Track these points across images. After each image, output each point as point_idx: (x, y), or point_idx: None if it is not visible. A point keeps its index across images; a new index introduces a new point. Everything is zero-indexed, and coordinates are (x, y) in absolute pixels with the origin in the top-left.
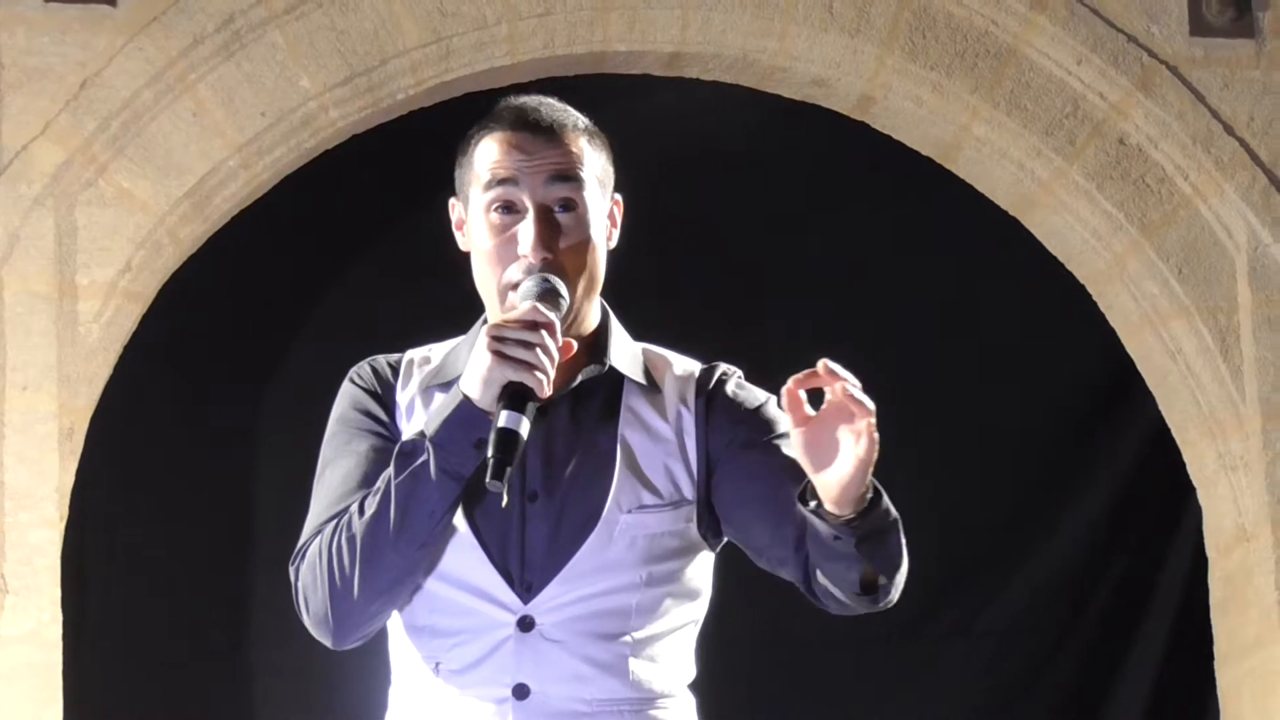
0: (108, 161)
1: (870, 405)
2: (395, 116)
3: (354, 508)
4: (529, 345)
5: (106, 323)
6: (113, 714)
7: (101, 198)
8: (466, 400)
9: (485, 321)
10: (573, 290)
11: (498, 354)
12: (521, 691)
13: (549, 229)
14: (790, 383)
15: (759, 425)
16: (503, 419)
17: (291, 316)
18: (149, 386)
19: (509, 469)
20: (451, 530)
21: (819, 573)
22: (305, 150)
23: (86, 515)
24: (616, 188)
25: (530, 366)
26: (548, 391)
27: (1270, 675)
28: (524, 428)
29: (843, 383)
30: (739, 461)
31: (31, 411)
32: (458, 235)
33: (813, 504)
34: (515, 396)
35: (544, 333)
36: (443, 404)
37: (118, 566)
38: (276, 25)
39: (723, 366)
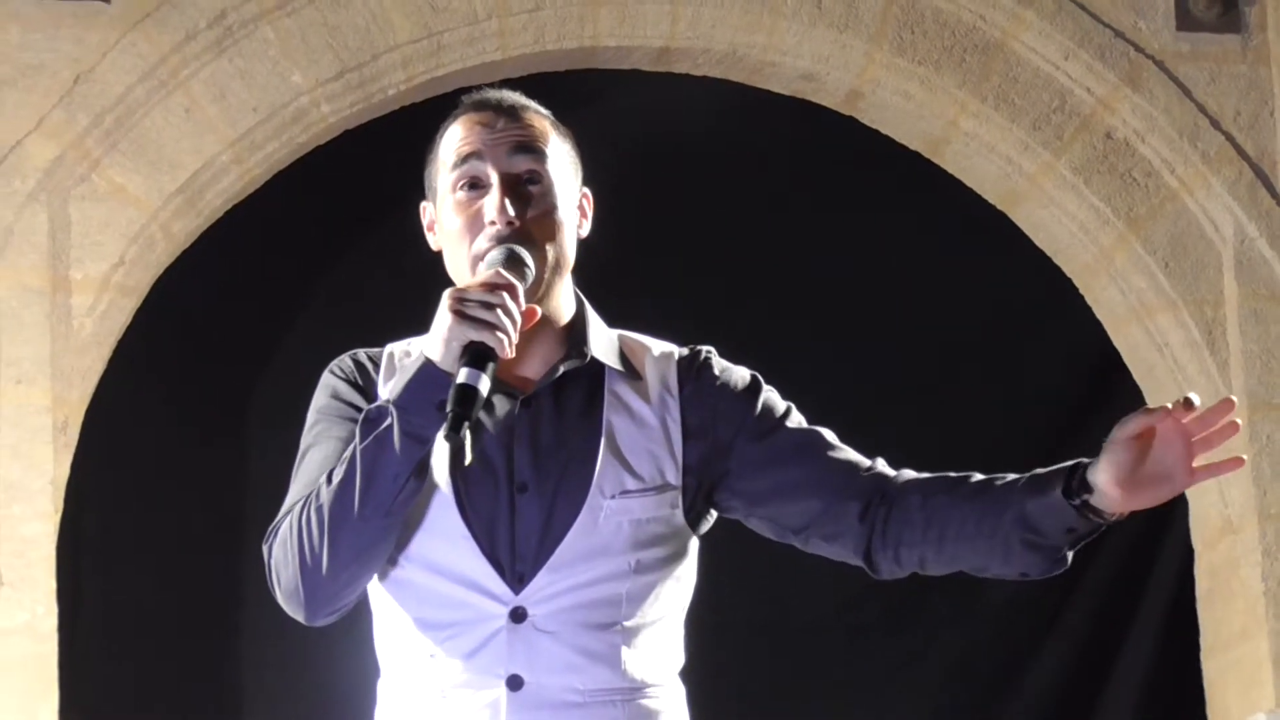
0: (101, 157)
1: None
2: (387, 112)
3: (322, 480)
4: (489, 306)
5: (100, 317)
6: (108, 705)
7: (95, 193)
8: (428, 362)
9: None
10: (540, 260)
11: (458, 313)
12: (515, 683)
13: (515, 197)
14: (1143, 423)
15: (766, 407)
16: (462, 375)
17: (283, 310)
18: (142, 380)
19: (467, 422)
20: (419, 518)
21: (970, 558)
22: (297, 145)
23: (80, 508)
24: (588, 182)
25: (491, 326)
26: (509, 352)
27: (1255, 666)
28: (484, 384)
29: (1229, 416)
30: (766, 447)
31: (25, 405)
32: (429, 237)
33: (1075, 495)
34: (476, 356)
35: (505, 294)
36: (405, 368)
37: (112, 558)
38: (268, 21)
39: (703, 349)
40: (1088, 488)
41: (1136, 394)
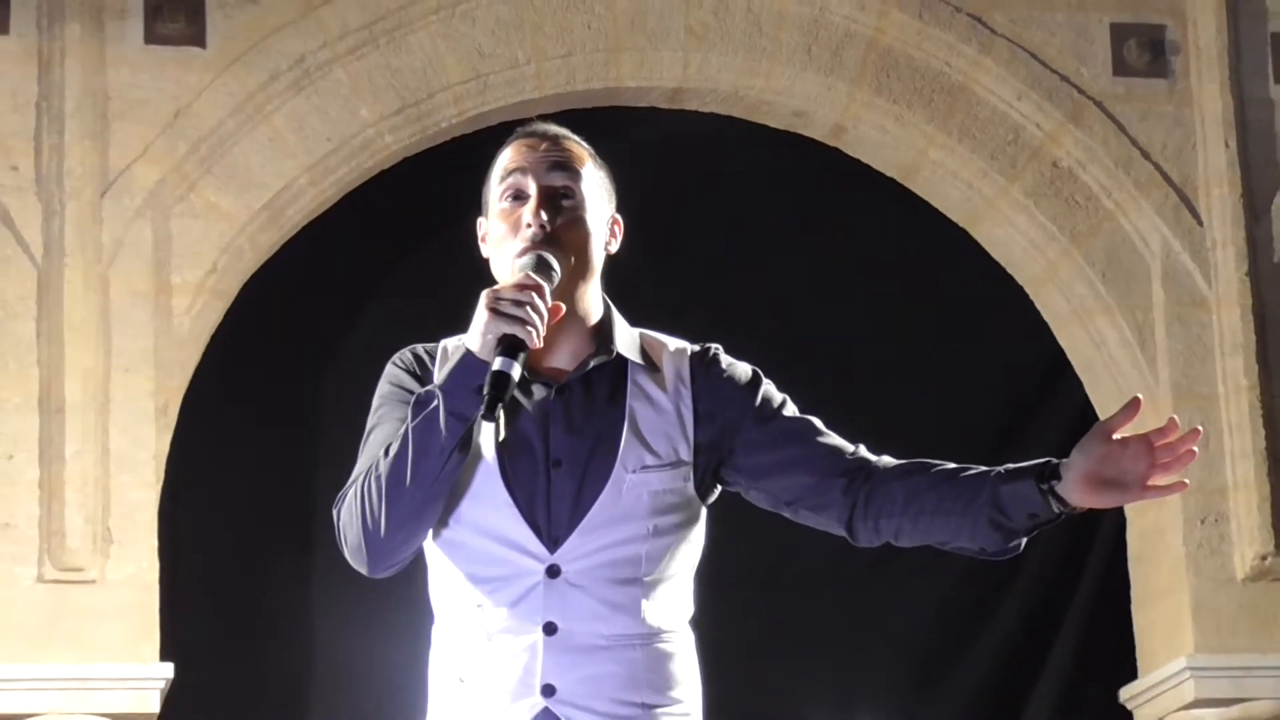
0: (197, 179)
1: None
2: (440, 142)
3: (380, 454)
4: (520, 304)
5: (196, 316)
6: (200, 645)
7: (192, 210)
8: (469, 353)
9: None
10: (565, 263)
11: (494, 310)
12: (550, 629)
13: (550, 207)
14: (1122, 420)
15: (765, 397)
16: (497, 363)
17: (350, 311)
18: (231, 370)
19: (500, 404)
20: (469, 489)
21: (940, 530)
22: (364, 170)
23: (178, 478)
24: (619, 209)
25: (522, 321)
26: (538, 343)
27: (1177, 617)
28: (515, 371)
29: (1191, 446)
30: (766, 431)
31: (132, 391)
32: (481, 247)
33: (1046, 486)
34: (509, 346)
35: (534, 294)
36: (450, 358)
37: (203, 521)
38: (340, 64)
39: (712, 346)
40: (1057, 477)
41: (1078, 385)
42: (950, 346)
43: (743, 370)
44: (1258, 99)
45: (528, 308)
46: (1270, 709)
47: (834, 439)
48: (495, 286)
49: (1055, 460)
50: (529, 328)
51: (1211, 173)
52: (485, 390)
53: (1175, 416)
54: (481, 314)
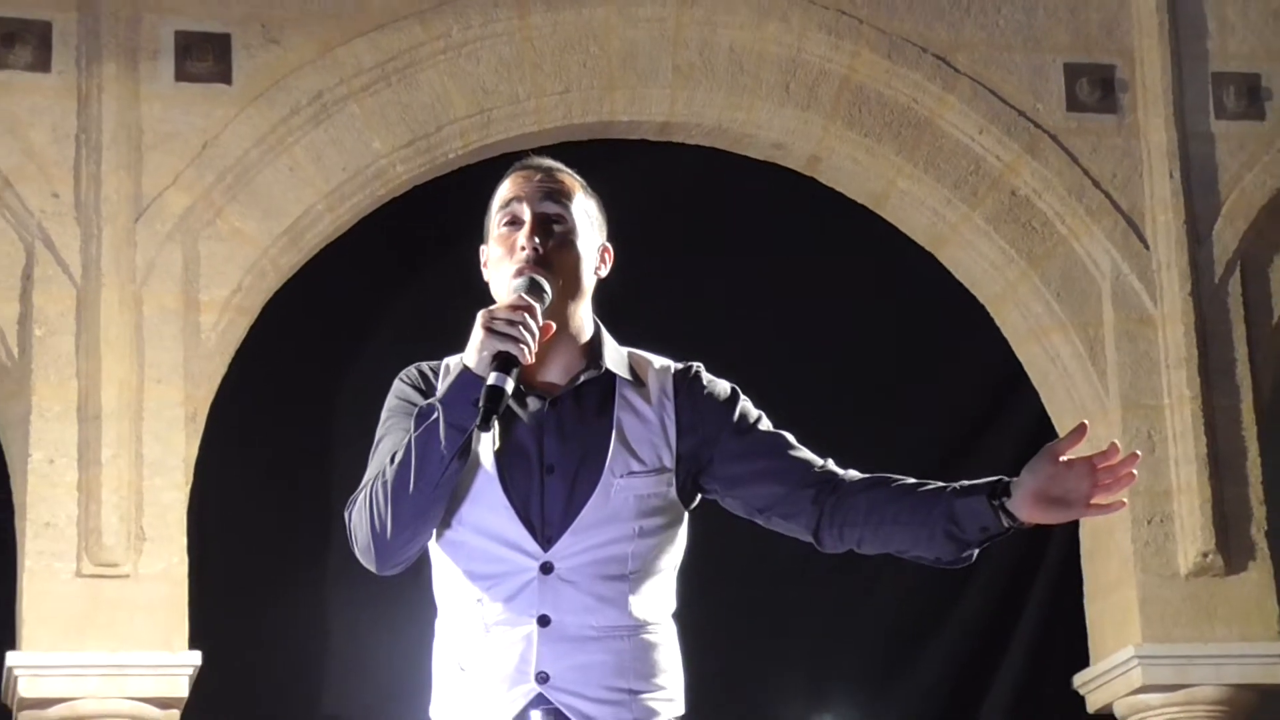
0: (223, 205)
1: (1130, 483)
2: (447, 171)
3: (387, 461)
4: (513, 323)
5: (222, 331)
6: (226, 635)
7: (218, 234)
8: (466, 369)
9: None
10: (555, 283)
11: (488, 329)
12: (544, 621)
13: (542, 231)
14: (1068, 443)
15: (742, 413)
16: (491, 378)
17: (364, 327)
18: (254, 381)
19: (495, 416)
20: (469, 492)
21: (899, 540)
22: (377, 197)
23: (206, 481)
24: (610, 237)
25: (514, 339)
26: (530, 359)
27: (1126, 609)
28: (509, 385)
29: (1131, 469)
30: (742, 443)
31: (163, 400)
32: (483, 271)
33: (997, 502)
34: (503, 362)
35: (525, 313)
36: (451, 373)
37: (229, 520)
38: (355, 100)
39: (694, 365)
40: (1008, 494)
41: (1035, 396)
42: (918, 359)
43: (722, 387)
44: (1200, 133)
45: (520, 327)
46: (1211, 694)
47: (804, 453)
48: (491, 306)
49: (1007, 479)
50: (521, 345)
51: (1157, 201)
52: (480, 403)
53: (1116, 442)
54: (478, 333)
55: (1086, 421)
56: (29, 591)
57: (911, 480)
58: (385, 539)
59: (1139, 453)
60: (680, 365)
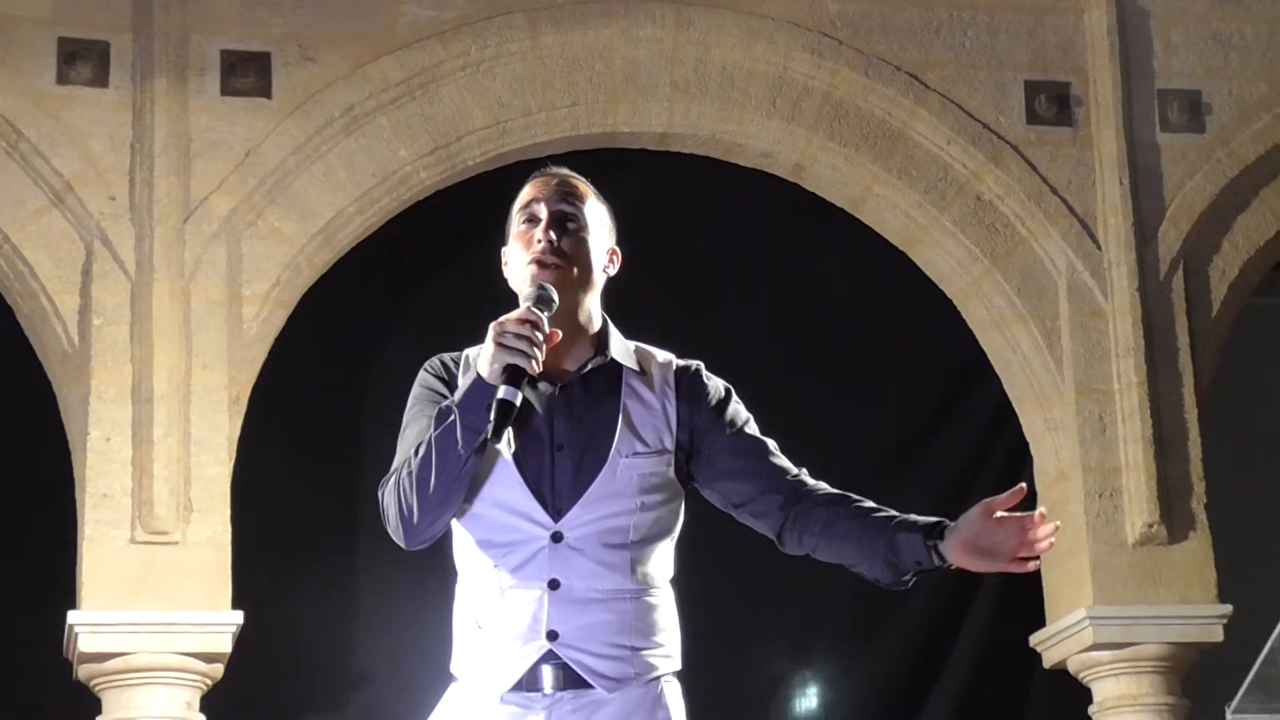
0: (264, 208)
1: (1046, 549)
2: (467, 177)
3: (412, 453)
4: (520, 336)
5: (262, 322)
6: (266, 596)
7: (259, 233)
8: (479, 377)
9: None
10: (569, 275)
11: (499, 343)
12: (554, 584)
13: (557, 226)
14: (1004, 500)
15: (734, 414)
16: (501, 392)
17: (391, 318)
18: (291, 366)
19: (506, 428)
20: (486, 470)
21: (847, 555)
22: (403, 201)
23: (247, 457)
24: (617, 241)
25: (522, 353)
26: (537, 369)
27: (1079, 575)
28: (517, 398)
29: (1050, 539)
30: (728, 442)
31: (209, 384)
32: (504, 270)
33: (932, 543)
34: (513, 374)
35: (531, 326)
36: (466, 380)
37: (268, 493)
38: (383, 112)
39: (694, 363)
40: (942, 537)
41: (997, 382)
42: (892, 348)
43: (719, 386)
44: (1146, 144)
45: (527, 341)
46: (1155, 651)
47: (782, 461)
48: (501, 319)
49: (946, 523)
50: (529, 358)
51: (1108, 205)
52: (492, 416)
53: (1044, 511)
54: (489, 345)
55: (1024, 485)
56: (88, 557)
57: (869, 504)
58: (412, 523)
59: (1059, 524)
60: (682, 362)
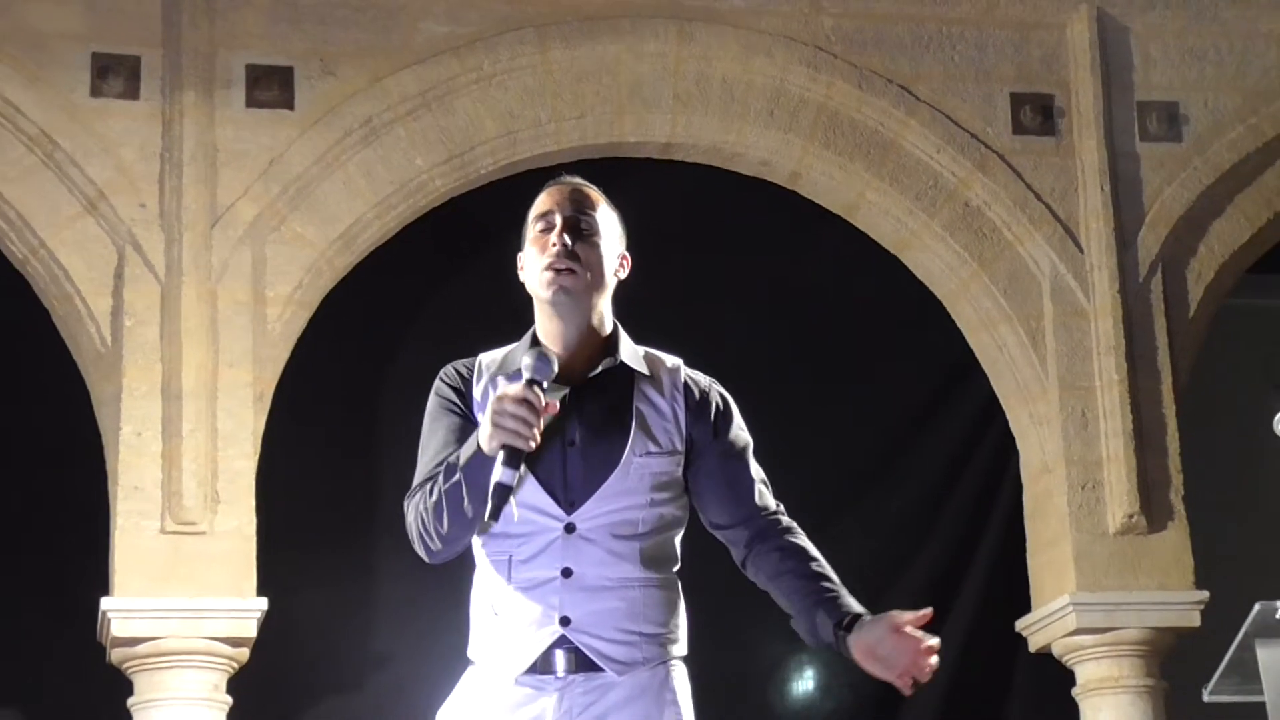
0: (287, 214)
1: (926, 678)
2: (479, 185)
3: (429, 487)
4: (517, 418)
5: (285, 323)
6: (288, 585)
7: (282, 238)
8: (479, 449)
9: (532, 333)
10: (582, 279)
11: (497, 425)
12: (567, 573)
13: (571, 231)
14: (911, 619)
15: (733, 438)
16: (500, 475)
17: (407, 320)
18: (313, 365)
19: (503, 508)
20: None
21: (785, 606)
22: (419, 207)
23: (271, 451)
24: (627, 248)
25: (519, 434)
26: (533, 446)
27: (1062, 563)
28: (515, 479)
29: (930, 661)
30: (716, 466)
31: (235, 381)
32: (520, 274)
33: (842, 633)
34: (510, 454)
35: (529, 408)
36: (469, 444)
37: (291, 486)
38: (400, 123)
39: (705, 376)
40: (850, 631)
41: (985, 379)
42: (884, 347)
43: (722, 406)
44: (1126, 153)
45: (524, 423)
46: (1135, 635)
47: (762, 499)
48: (501, 394)
49: (865, 617)
50: (525, 440)
51: (1090, 211)
52: (490, 499)
53: (939, 641)
54: (486, 424)
55: (930, 610)
56: (120, 546)
57: (817, 567)
58: (431, 550)
59: (935, 662)
60: (691, 371)
